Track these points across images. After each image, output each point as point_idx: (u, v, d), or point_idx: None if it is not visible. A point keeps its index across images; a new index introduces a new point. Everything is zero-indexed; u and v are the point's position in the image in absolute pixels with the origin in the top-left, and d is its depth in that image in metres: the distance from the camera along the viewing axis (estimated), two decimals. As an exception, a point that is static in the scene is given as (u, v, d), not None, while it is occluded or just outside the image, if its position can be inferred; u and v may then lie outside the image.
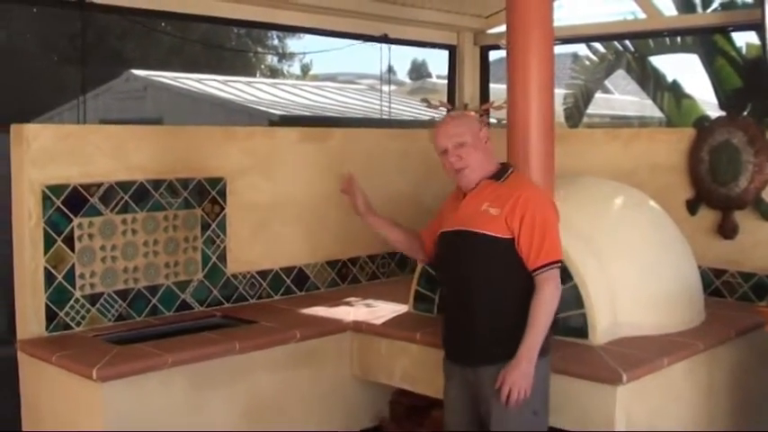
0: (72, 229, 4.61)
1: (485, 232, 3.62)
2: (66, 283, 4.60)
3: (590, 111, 16.09)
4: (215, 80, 14.54)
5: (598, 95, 16.59)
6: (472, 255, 3.69)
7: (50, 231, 4.53)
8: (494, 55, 7.58)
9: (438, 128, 3.82)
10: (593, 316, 4.25)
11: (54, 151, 4.56)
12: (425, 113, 13.07)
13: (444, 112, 7.10)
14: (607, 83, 18.41)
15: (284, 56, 22.61)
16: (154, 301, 4.98)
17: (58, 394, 4.27)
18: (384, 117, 7.74)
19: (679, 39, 12.48)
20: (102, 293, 4.75)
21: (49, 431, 4.32)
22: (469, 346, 3.72)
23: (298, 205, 5.69)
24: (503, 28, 4.96)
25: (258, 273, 5.48)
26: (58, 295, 4.57)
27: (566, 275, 4.30)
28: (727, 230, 5.47)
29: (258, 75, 21.10)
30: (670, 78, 13.99)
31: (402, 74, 32.67)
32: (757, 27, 6.04)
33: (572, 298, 4.28)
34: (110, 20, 13.67)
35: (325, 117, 12.46)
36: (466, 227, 3.69)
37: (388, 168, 6.20)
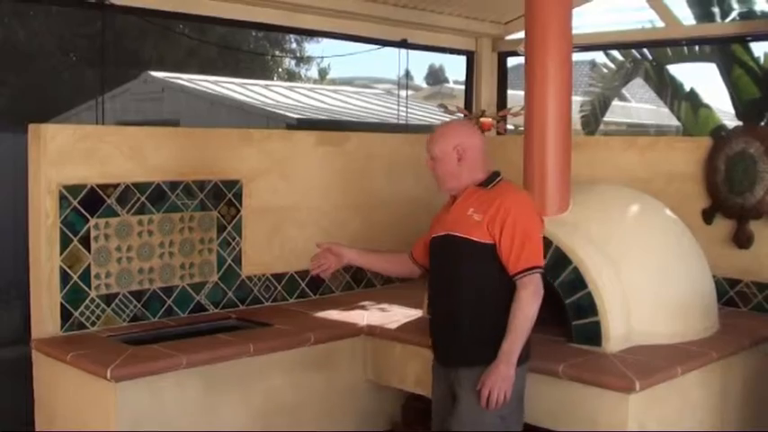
0: (88, 229, 4.63)
1: (468, 237, 3.73)
2: (81, 283, 4.62)
3: (606, 118, 16.05)
4: (232, 83, 14.56)
5: (615, 103, 16.54)
6: (456, 259, 3.79)
7: (67, 231, 4.56)
8: (512, 61, 7.59)
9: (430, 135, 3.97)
10: (607, 323, 4.24)
11: (71, 151, 4.58)
12: (442, 119, 13.05)
13: (461, 118, 7.12)
14: (624, 91, 18.35)
15: (302, 59, 22.63)
16: (169, 302, 5.00)
17: (71, 394, 4.28)
18: (401, 122, 7.74)
19: (697, 48, 12.44)
20: (118, 294, 4.77)
21: (63, 431, 4.34)
22: (451, 348, 3.82)
23: (313, 208, 5.70)
24: (521, 34, 4.98)
25: (273, 275, 5.49)
26: (73, 295, 4.59)
27: (580, 283, 4.31)
28: (742, 240, 5.44)
29: (275, 78, 21.12)
30: (687, 87, 13.94)
31: (419, 79, 32.66)
32: (775, 37, 6.03)
33: (586, 305, 4.27)
34: (128, 21, 13.70)
35: (342, 121, 12.46)
36: (452, 231, 3.80)
37: (405, 173, 6.20)
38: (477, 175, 3.85)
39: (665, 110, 15.28)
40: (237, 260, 5.29)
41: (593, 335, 4.27)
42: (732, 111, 12.97)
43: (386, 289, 6.05)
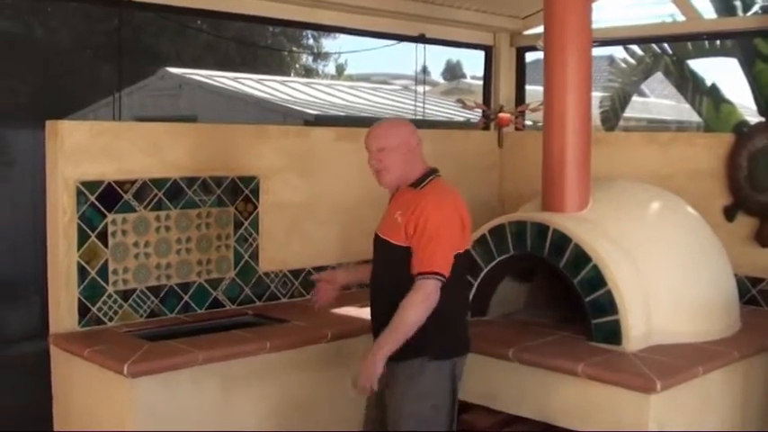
0: (106, 225, 4.63)
1: (388, 239, 3.80)
2: (99, 279, 4.61)
3: (626, 114, 15.97)
4: (250, 79, 14.55)
5: (635, 99, 16.46)
6: (380, 260, 3.91)
7: (84, 227, 4.55)
8: (530, 56, 7.53)
9: (369, 130, 3.95)
10: (627, 322, 4.20)
11: (89, 148, 4.57)
12: (460, 114, 13.02)
13: (480, 114, 7.08)
14: (643, 86, 18.25)
15: (319, 55, 22.63)
16: (186, 298, 4.99)
17: (89, 389, 4.28)
18: (418, 117, 7.71)
19: (718, 42, 12.37)
20: (135, 289, 4.77)
21: (81, 431, 4.34)
22: None
23: (331, 205, 5.68)
24: (540, 29, 4.94)
25: (290, 271, 5.48)
26: (90, 290, 4.59)
27: (600, 281, 4.27)
28: (764, 238, 5.39)
29: (293, 74, 21.11)
30: (709, 82, 13.85)
31: (436, 74, 32.56)
32: (799, 31, 5.96)
33: (606, 303, 4.24)
34: (145, 17, 13.72)
35: (360, 117, 12.44)
36: (379, 232, 3.90)
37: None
38: (414, 174, 3.85)
39: (686, 105, 15.20)
40: (254, 256, 5.28)
41: (613, 334, 4.23)
42: (754, 106, 12.87)
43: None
